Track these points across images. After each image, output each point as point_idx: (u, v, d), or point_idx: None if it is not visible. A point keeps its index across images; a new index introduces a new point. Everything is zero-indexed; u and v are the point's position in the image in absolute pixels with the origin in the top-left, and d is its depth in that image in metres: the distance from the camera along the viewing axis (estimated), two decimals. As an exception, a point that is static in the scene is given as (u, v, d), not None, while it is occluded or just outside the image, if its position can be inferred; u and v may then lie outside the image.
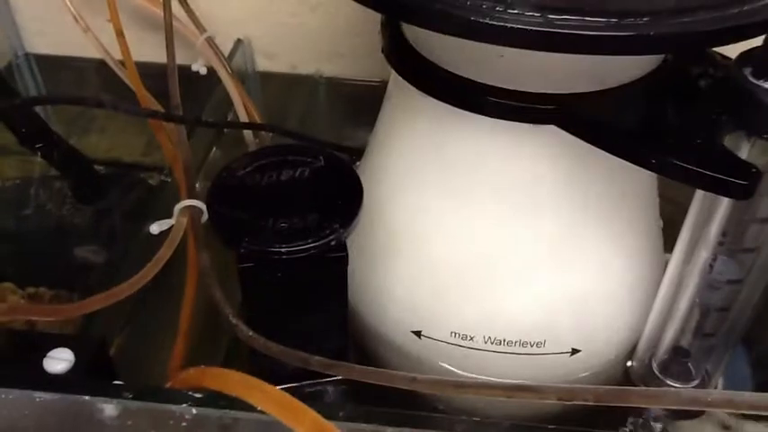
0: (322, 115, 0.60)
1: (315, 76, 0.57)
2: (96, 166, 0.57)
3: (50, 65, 0.62)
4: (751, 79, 0.26)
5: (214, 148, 0.53)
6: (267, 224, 0.31)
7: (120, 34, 0.49)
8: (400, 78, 0.33)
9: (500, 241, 0.32)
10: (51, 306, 0.44)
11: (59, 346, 0.31)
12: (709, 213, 0.30)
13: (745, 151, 0.28)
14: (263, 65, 0.58)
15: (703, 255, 0.31)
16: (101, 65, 0.53)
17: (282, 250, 0.29)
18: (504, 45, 0.25)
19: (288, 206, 0.32)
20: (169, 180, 0.44)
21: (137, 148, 0.61)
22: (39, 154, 0.51)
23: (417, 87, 0.32)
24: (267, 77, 0.59)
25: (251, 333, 0.31)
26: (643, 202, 0.35)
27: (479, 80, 0.30)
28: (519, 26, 0.24)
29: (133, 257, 0.41)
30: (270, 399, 0.26)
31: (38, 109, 0.67)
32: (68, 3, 0.51)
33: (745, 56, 0.27)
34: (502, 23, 0.24)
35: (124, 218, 0.53)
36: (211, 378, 0.28)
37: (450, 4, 0.25)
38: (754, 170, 0.27)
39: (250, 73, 0.58)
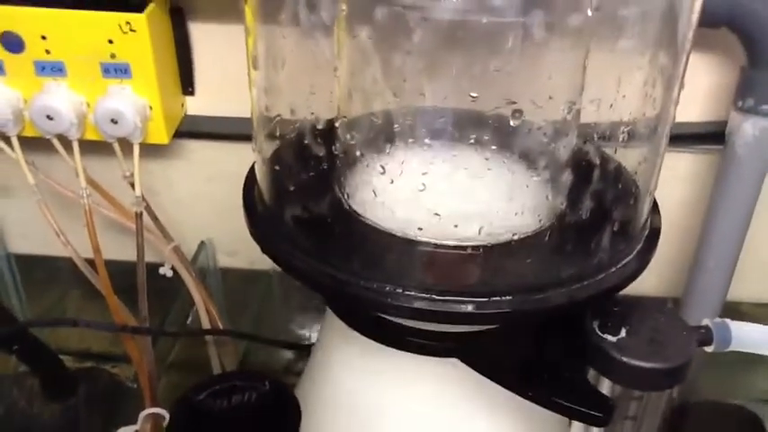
0: (277, 305, 0.66)
1: (270, 272, 0.64)
2: (66, 358, 0.61)
3: (29, 263, 0.68)
4: (598, 332, 0.33)
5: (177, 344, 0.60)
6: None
7: (96, 250, 0.55)
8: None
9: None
10: None
11: None
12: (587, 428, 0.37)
13: (606, 383, 0.35)
14: (225, 261, 0.65)
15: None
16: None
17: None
18: (401, 318, 0.32)
19: (236, 432, 0.37)
20: (135, 386, 0.50)
21: (107, 337, 0.66)
22: (15, 356, 0.56)
23: (345, 323, 0.39)
24: (228, 272, 0.66)
25: None
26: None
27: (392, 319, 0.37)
28: (411, 305, 0.31)
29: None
30: None
31: (13, 299, 0.73)
32: (51, 219, 0.57)
33: (595, 310, 0.34)
34: (398, 303, 0.31)
35: (92, 415, 0.57)
36: None
37: (361, 286, 0.32)
38: (611, 403, 0.33)
39: (212, 269, 0.65)
